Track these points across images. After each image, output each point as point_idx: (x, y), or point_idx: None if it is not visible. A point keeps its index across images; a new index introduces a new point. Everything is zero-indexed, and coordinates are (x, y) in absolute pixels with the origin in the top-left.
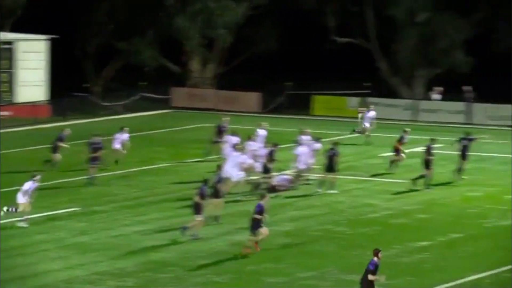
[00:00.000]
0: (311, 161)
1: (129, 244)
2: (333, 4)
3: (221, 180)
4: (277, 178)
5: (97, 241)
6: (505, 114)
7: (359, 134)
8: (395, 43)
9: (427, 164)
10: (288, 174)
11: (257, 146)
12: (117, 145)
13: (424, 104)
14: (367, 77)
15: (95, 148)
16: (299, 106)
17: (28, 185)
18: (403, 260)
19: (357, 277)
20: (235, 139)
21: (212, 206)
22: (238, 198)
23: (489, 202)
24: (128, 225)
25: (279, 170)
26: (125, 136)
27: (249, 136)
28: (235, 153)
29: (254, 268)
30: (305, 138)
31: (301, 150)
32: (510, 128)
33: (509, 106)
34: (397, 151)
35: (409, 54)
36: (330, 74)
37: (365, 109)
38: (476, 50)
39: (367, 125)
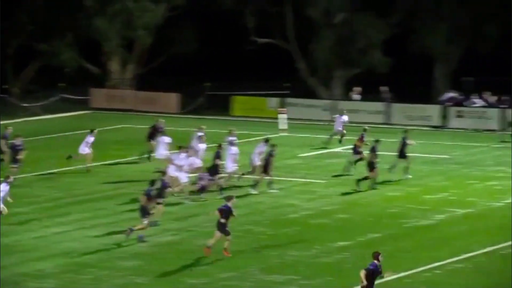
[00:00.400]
0: (255, 162)
1: (49, 245)
2: (252, 5)
3: (166, 185)
4: (205, 178)
5: (18, 242)
6: (423, 114)
7: (337, 137)
8: (314, 44)
9: (371, 165)
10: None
11: (202, 147)
12: (86, 148)
13: (343, 104)
14: (286, 78)
15: (17, 149)
16: (218, 106)
17: (4, 187)
18: (323, 260)
19: (278, 277)
20: (167, 140)
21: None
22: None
23: (409, 202)
24: (48, 227)
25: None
26: (92, 139)
27: (199, 138)
28: (181, 155)
29: (176, 269)
30: (231, 138)
31: (234, 150)
32: (428, 128)
33: (427, 106)
34: (356, 149)
35: (327, 54)
36: (250, 74)
37: (285, 109)
38: (394, 50)
39: (340, 129)
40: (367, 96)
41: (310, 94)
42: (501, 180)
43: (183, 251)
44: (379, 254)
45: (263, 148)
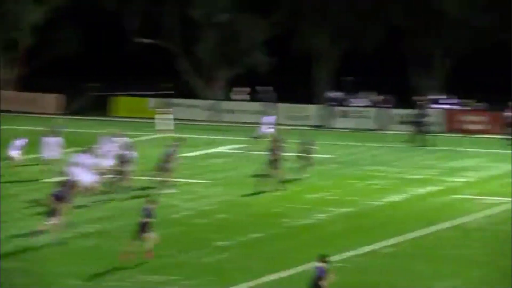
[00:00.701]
0: (171, 165)
1: None
2: (134, 5)
3: (70, 183)
4: (93, 178)
5: None
6: (306, 113)
7: (255, 139)
8: (197, 44)
9: (274, 164)
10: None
11: (109, 148)
12: (13, 151)
13: (225, 104)
14: (169, 78)
15: None
16: (101, 107)
17: None
18: (204, 260)
19: (159, 278)
20: (57, 141)
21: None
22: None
23: (290, 202)
24: None
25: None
26: (22, 142)
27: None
28: (84, 156)
29: (58, 270)
30: (117, 139)
31: (134, 153)
32: (310, 128)
33: (309, 106)
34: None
35: (210, 55)
36: (133, 75)
37: (169, 109)
38: (277, 50)
39: (268, 130)
40: (249, 96)
41: (192, 94)
42: (380, 179)
43: (68, 252)
44: (325, 256)
45: (174, 149)
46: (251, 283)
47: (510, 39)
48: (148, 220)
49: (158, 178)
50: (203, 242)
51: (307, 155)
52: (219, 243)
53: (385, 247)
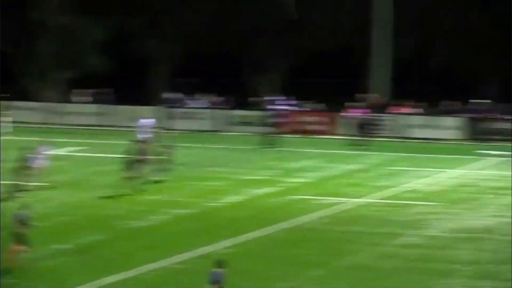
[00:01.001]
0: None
1: None
2: None
3: None
4: None
5: None
6: (144, 115)
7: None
8: (34, 46)
9: (134, 166)
10: None
11: None
12: None
13: (64, 106)
14: (7, 80)
15: None
16: None
17: None
18: (42, 264)
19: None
20: None
21: None
22: None
23: (130, 203)
24: None
25: None
26: None
27: None
28: None
29: None
30: None
31: None
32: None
33: (147, 107)
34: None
35: (48, 57)
36: None
37: (7, 112)
38: (116, 52)
39: (148, 135)
40: (87, 98)
41: (29, 96)
42: (220, 181)
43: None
44: (222, 262)
45: (45, 151)
46: (89, 286)
47: (351, 41)
48: (23, 228)
49: (12, 182)
50: (41, 245)
51: (165, 157)
52: (57, 246)
53: (224, 248)
